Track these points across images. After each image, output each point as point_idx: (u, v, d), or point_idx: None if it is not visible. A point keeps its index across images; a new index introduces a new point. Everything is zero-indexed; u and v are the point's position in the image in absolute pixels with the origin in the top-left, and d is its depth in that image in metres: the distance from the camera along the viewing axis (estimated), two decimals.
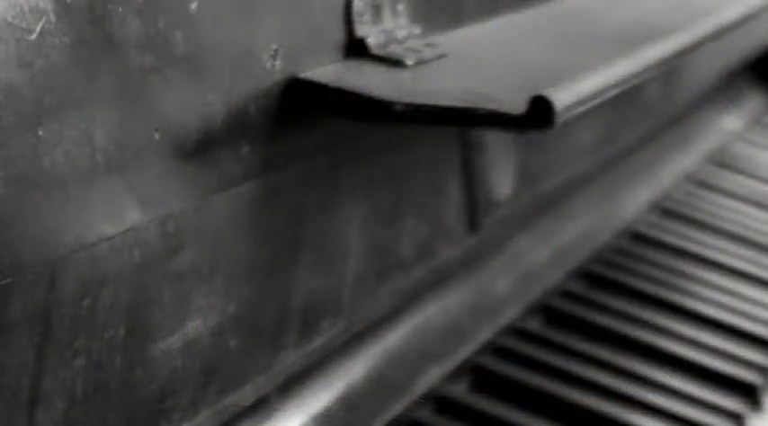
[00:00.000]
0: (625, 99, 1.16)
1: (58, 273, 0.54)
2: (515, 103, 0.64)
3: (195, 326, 0.64)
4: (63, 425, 0.56)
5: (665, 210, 1.29)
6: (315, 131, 0.71)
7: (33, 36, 0.52)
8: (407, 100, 0.66)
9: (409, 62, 0.73)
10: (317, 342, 0.75)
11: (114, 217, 0.57)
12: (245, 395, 0.69)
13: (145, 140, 0.59)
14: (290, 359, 0.73)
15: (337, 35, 0.72)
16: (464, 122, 0.66)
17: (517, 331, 0.98)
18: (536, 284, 1.02)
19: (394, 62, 0.73)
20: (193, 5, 0.61)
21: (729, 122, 1.58)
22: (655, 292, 1.10)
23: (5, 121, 0.51)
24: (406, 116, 0.66)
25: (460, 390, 0.89)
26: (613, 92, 0.71)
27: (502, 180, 0.96)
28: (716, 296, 1.13)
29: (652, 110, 1.31)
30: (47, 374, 0.55)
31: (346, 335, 0.79)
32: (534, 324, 1.00)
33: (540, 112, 0.63)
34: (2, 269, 0.51)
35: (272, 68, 0.67)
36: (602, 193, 1.19)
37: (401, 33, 0.77)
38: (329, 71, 0.70)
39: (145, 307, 0.60)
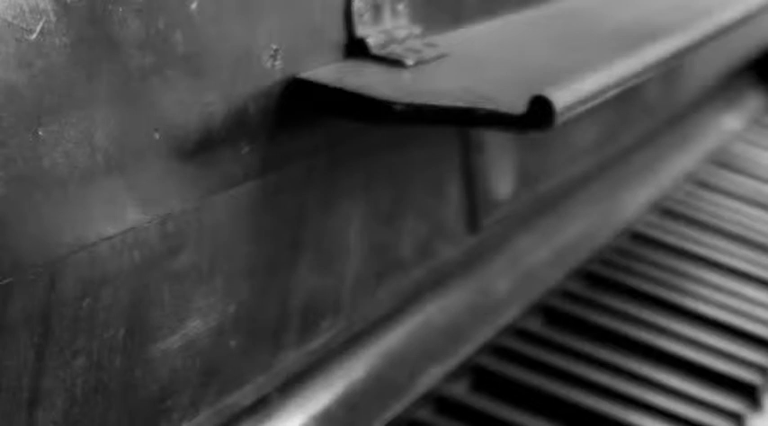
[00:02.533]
0: (625, 99, 1.16)
1: (57, 273, 0.54)
2: (515, 103, 0.64)
3: (195, 326, 0.64)
4: (63, 425, 0.56)
5: (665, 210, 1.29)
6: (315, 131, 0.71)
7: (33, 36, 0.52)
8: (407, 100, 0.66)
9: (409, 62, 0.73)
10: (317, 342, 0.75)
11: (114, 217, 0.57)
12: (245, 395, 0.69)
13: (145, 140, 0.59)
14: (290, 359, 0.73)
15: (337, 35, 0.72)
16: (464, 122, 0.66)
17: (517, 331, 0.98)
18: (536, 284, 1.02)
19: (394, 62, 0.73)
20: (193, 5, 0.61)
21: (729, 122, 1.58)
22: (655, 292, 1.10)
23: (5, 121, 0.51)
24: (406, 116, 0.66)
25: (460, 390, 0.89)
26: (613, 92, 0.71)
27: (502, 180, 0.96)
28: (716, 296, 1.13)
29: (652, 110, 1.31)
30: (47, 374, 0.55)
31: (346, 335, 0.78)
32: (534, 324, 1.00)
33: (539, 112, 0.63)
34: (2, 269, 0.51)
35: (272, 68, 0.67)
36: (602, 193, 1.19)
37: (401, 33, 0.77)
38: (329, 71, 0.70)
39: (145, 307, 0.60)
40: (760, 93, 1.71)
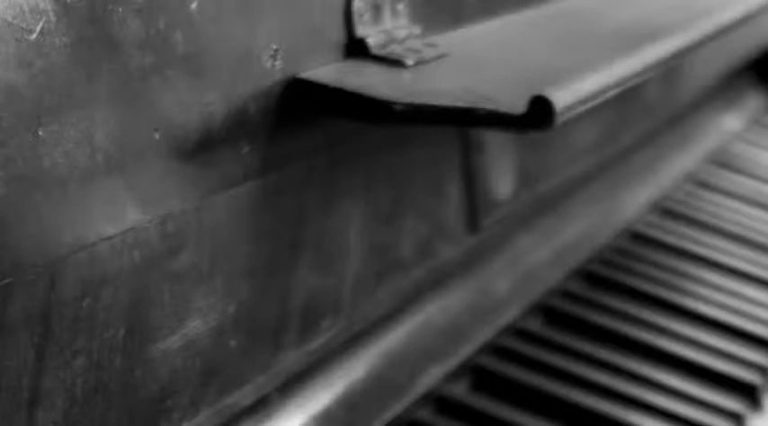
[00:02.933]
0: (625, 99, 1.16)
1: (57, 273, 0.54)
2: (515, 103, 0.64)
3: (195, 326, 0.64)
4: (63, 425, 0.56)
5: (665, 210, 1.29)
6: (315, 131, 0.71)
7: (33, 36, 0.52)
8: (407, 100, 0.66)
9: (409, 62, 0.73)
10: (317, 342, 0.75)
11: (114, 217, 0.57)
12: (245, 395, 0.69)
13: (145, 140, 0.59)
14: (290, 359, 0.73)
15: (337, 35, 0.72)
16: (464, 122, 0.66)
17: (517, 331, 0.98)
18: (536, 284, 1.02)
19: (394, 62, 0.73)
20: (193, 5, 0.61)
21: (729, 122, 1.58)
22: (655, 292, 1.10)
23: (5, 121, 0.51)
24: (406, 116, 0.66)
25: (460, 390, 0.89)
26: (613, 92, 0.71)
27: (502, 180, 0.96)
28: (716, 296, 1.13)
29: (652, 110, 1.31)
30: (47, 374, 0.55)
31: (346, 335, 0.78)
32: (534, 324, 1.00)
33: (539, 112, 0.63)
34: (2, 269, 0.51)
35: (272, 68, 0.67)
36: (602, 193, 1.19)
37: (401, 33, 0.77)
38: (329, 71, 0.70)
39: (145, 307, 0.60)
40: (760, 93, 1.71)
